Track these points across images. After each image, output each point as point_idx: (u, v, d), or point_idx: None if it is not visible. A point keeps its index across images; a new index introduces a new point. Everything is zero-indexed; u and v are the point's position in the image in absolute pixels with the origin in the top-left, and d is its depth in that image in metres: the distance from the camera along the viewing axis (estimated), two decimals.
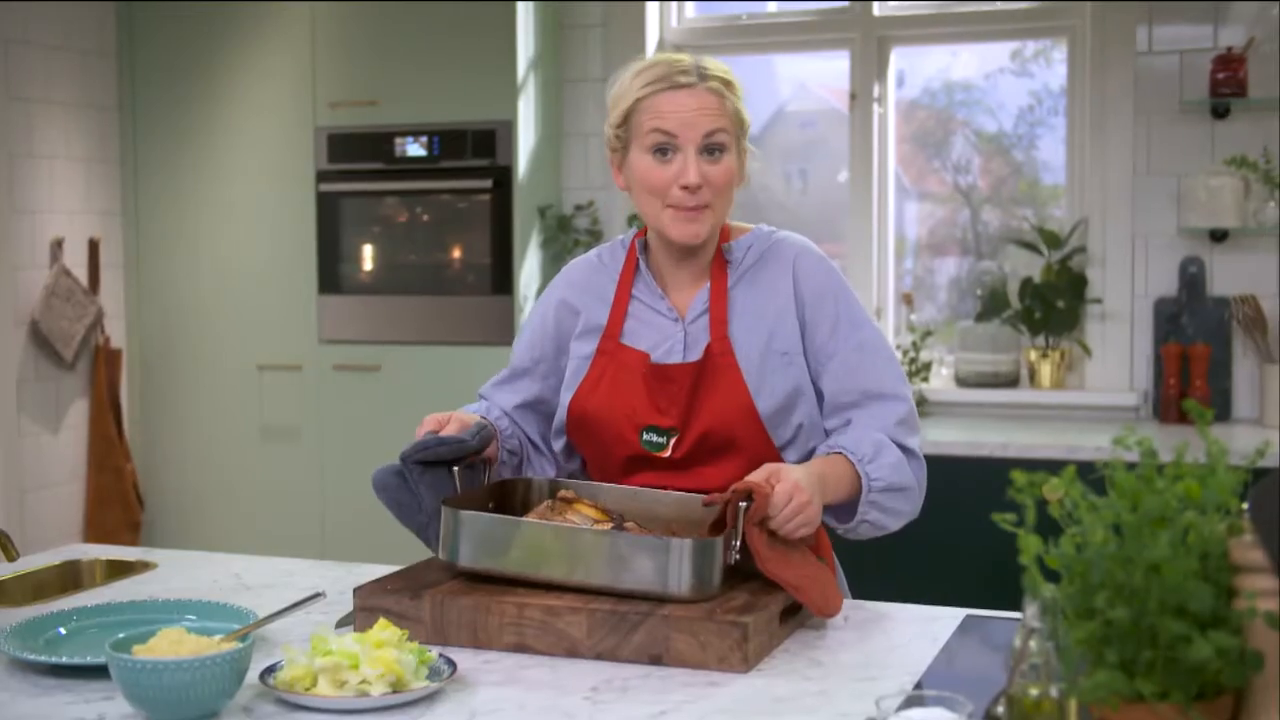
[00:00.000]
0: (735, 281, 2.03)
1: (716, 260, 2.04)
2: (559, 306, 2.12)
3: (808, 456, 2.01)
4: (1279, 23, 3.91)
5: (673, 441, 1.98)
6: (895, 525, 1.99)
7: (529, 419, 2.14)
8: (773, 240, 2.06)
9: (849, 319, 2.01)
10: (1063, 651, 1.18)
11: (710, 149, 1.95)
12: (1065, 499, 1.22)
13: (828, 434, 2.02)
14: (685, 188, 1.93)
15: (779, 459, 1.99)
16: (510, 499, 1.98)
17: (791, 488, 1.78)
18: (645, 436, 1.99)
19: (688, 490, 1.98)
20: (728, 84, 1.98)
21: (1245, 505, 1.22)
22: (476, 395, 2.20)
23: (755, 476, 1.79)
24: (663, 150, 1.95)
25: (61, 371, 4.53)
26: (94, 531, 4.55)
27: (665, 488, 2.00)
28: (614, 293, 2.07)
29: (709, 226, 1.97)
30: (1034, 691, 1.19)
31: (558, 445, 2.11)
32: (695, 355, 2.00)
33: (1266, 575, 1.16)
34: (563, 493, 1.93)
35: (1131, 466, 1.24)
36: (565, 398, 2.07)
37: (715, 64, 2.00)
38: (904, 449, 1.99)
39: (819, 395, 2.02)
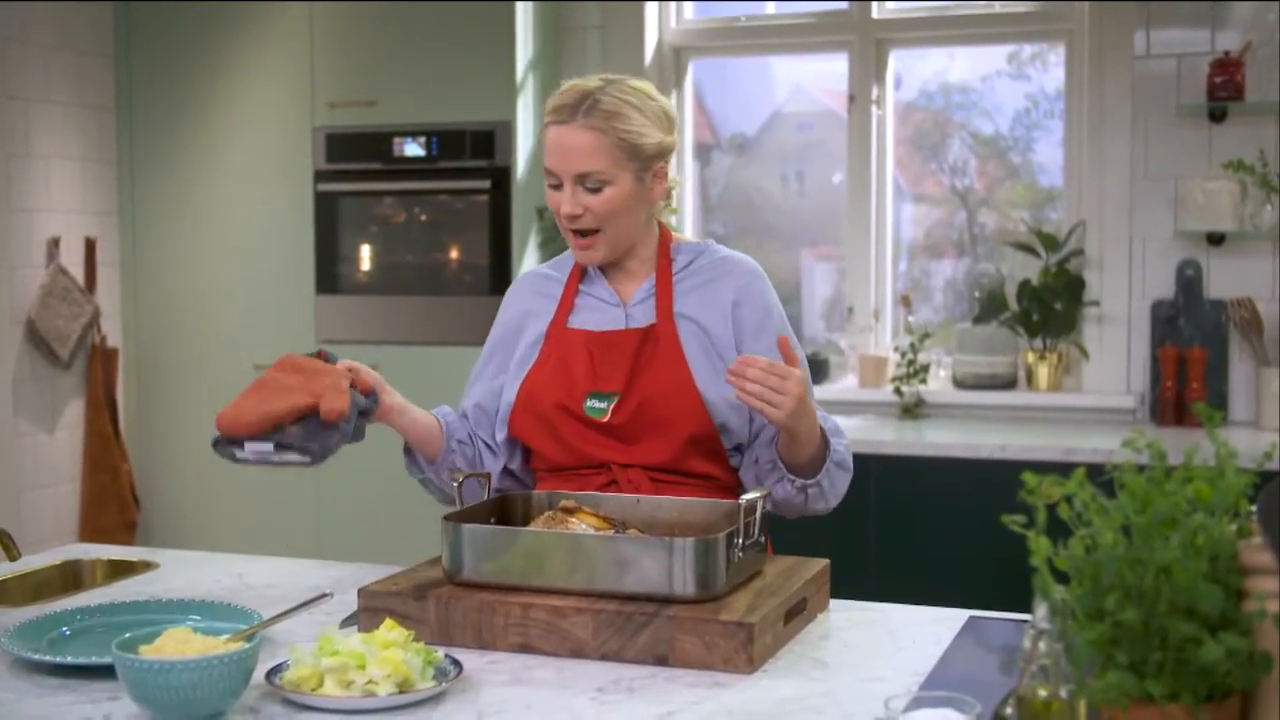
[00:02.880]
0: (680, 279, 2.15)
1: (662, 257, 2.17)
2: (513, 315, 2.24)
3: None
4: (1276, 26, 3.92)
5: (612, 406, 2.07)
6: (831, 503, 2.09)
7: (482, 420, 2.22)
8: (720, 256, 2.19)
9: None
10: (1072, 653, 1.18)
11: (589, 185, 2.06)
12: (1075, 500, 1.22)
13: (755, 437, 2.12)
14: (566, 215, 2.08)
15: (718, 440, 2.08)
16: (511, 513, 2.00)
17: (792, 375, 1.88)
18: (588, 403, 2.08)
19: (628, 465, 2.06)
20: (612, 115, 2.04)
21: (1253, 508, 1.23)
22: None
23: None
24: (554, 183, 2.10)
25: (57, 371, 4.52)
26: (89, 532, 4.54)
27: (608, 464, 2.07)
28: (562, 290, 2.20)
29: (602, 251, 2.11)
30: (1043, 692, 1.20)
31: (500, 437, 2.19)
32: (638, 326, 2.11)
33: (1275, 577, 1.16)
34: (564, 503, 1.94)
35: (1141, 469, 1.24)
36: (511, 387, 2.16)
37: (612, 95, 2.06)
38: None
39: None
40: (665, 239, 2.19)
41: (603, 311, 2.16)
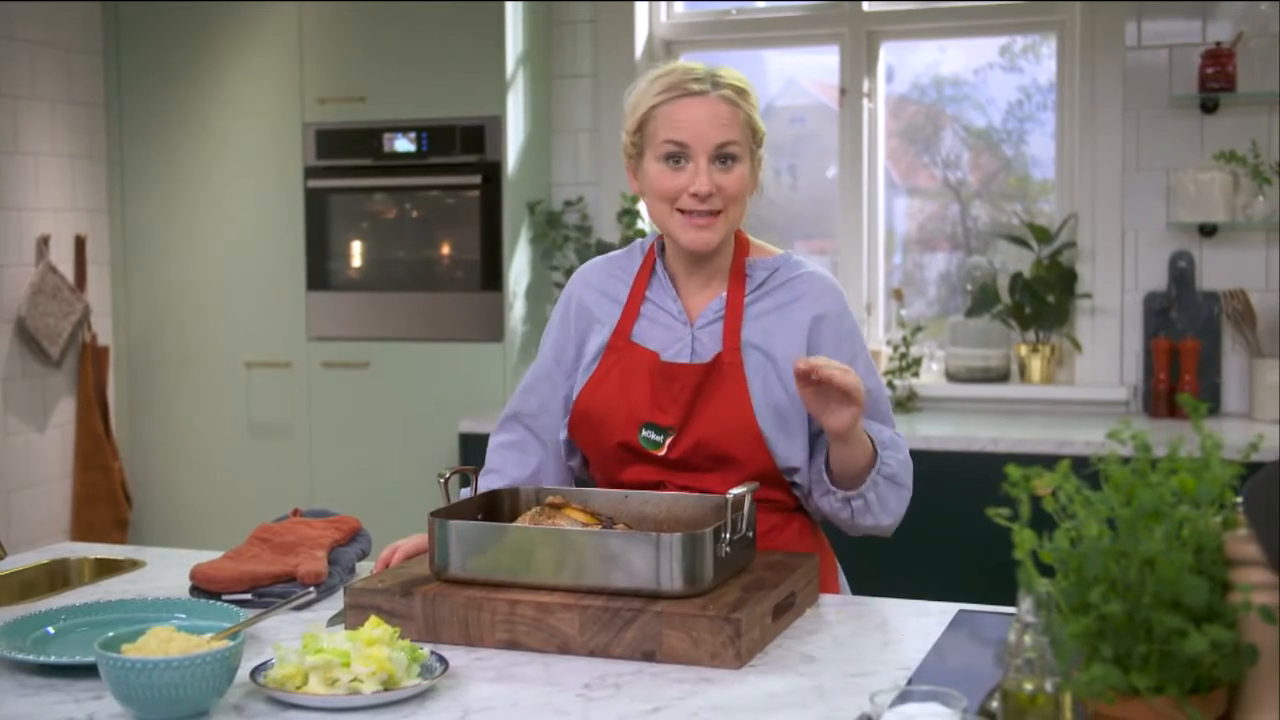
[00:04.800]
0: (754, 299, 2.03)
1: (735, 273, 2.04)
2: (577, 307, 2.12)
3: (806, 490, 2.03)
4: (1268, 17, 3.91)
5: (669, 441, 1.98)
6: (883, 520, 2.00)
7: (550, 426, 2.13)
8: (800, 271, 2.06)
9: (865, 365, 2.02)
10: (1057, 646, 1.18)
11: (722, 158, 1.96)
12: (1060, 493, 1.22)
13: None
14: (695, 195, 1.94)
15: (780, 477, 1.99)
16: (499, 509, 1.98)
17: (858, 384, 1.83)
18: (644, 433, 1.99)
19: (686, 488, 1.99)
20: (741, 92, 1.99)
21: (1239, 499, 1.22)
22: (499, 418, 2.20)
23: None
24: (675, 158, 1.96)
25: (48, 369, 4.50)
26: (81, 530, 4.53)
27: (662, 484, 2.01)
28: (627, 294, 2.08)
29: (720, 234, 1.98)
30: (1029, 686, 1.19)
31: (563, 436, 2.12)
32: (704, 358, 2.00)
33: (1261, 569, 1.15)
34: (551, 498, 1.92)
35: (1126, 461, 1.23)
36: (575, 393, 2.08)
37: (730, 72, 2.01)
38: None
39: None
40: (742, 250, 2.06)
41: (669, 329, 2.04)
